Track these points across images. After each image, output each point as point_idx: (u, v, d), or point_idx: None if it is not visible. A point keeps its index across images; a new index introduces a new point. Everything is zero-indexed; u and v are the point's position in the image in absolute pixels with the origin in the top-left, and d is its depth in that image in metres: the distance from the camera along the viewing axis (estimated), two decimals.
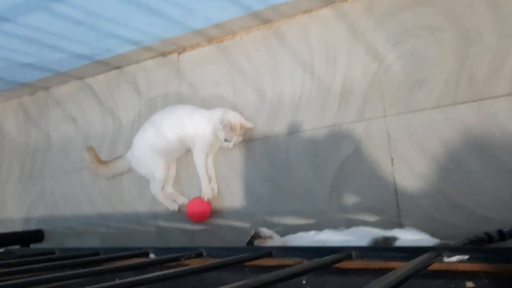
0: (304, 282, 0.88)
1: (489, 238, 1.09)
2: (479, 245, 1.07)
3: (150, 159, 1.75)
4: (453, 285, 0.77)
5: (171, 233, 1.81)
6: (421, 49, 1.41)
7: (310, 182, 1.54)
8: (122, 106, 2.02)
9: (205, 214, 1.71)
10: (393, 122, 1.43)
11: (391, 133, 1.43)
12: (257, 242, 1.26)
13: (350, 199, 1.47)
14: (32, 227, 2.18)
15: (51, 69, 2.00)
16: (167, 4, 1.47)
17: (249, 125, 1.63)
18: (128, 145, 1.87)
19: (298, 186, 1.56)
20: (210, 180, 1.71)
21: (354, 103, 1.50)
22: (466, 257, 0.76)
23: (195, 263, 0.92)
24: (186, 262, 0.93)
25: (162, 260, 0.92)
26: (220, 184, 1.72)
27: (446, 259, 0.77)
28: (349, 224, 1.35)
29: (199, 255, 0.97)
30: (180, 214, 1.78)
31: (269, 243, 1.25)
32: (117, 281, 0.59)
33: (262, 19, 1.66)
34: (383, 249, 0.98)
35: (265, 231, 1.29)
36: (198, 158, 1.69)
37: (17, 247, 1.95)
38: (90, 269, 0.77)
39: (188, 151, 1.77)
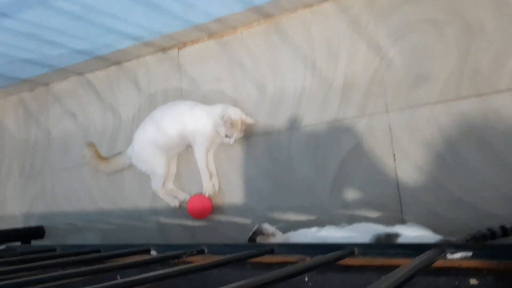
0: (306, 279, 0.88)
1: (492, 234, 1.08)
2: (482, 241, 1.07)
3: (150, 155, 1.75)
4: (456, 282, 0.77)
5: (172, 230, 1.81)
6: (424, 44, 1.39)
7: (311, 178, 1.54)
8: (122, 102, 2.02)
9: (206, 210, 1.70)
10: (395, 118, 1.42)
11: (393, 129, 1.42)
12: (259, 239, 1.25)
13: (351, 195, 1.46)
14: (33, 223, 2.18)
15: (51, 64, 1.99)
16: None
17: (249, 120, 1.62)
18: (129, 141, 1.86)
19: (299, 182, 1.56)
20: (211, 176, 1.70)
21: (356, 99, 1.49)
22: (470, 253, 0.76)
23: (197, 260, 0.92)
24: (187, 259, 0.92)
25: (164, 257, 0.92)
26: (221, 180, 1.72)
27: (449, 256, 0.76)
28: (351, 220, 1.34)
29: (201, 252, 0.96)
30: (181, 211, 1.78)
31: (271, 240, 1.25)
32: (120, 280, 0.59)
33: (262, 13, 1.64)
34: (386, 246, 0.97)
35: (267, 227, 1.29)
36: (199, 154, 1.68)
37: (18, 243, 1.95)
38: (92, 267, 0.76)
39: (189, 147, 1.76)
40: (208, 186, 1.68)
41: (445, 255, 0.76)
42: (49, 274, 0.67)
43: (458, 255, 0.76)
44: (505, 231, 1.09)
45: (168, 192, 1.79)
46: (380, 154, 1.43)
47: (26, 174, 2.27)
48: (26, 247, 1.83)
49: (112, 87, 2.06)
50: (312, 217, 1.51)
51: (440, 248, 0.76)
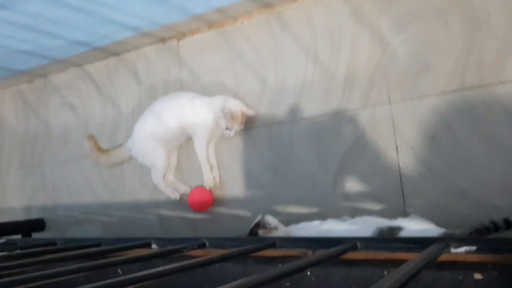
0: (309, 273, 0.87)
1: (495, 226, 1.08)
2: (485, 234, 1.06)
3: (151, 147, 1.74)
4: (461, 277, 0.76)
5: (173, 222, 1.81)
6: (427, 34, 1.37)
7: (313, 170, 1.53)
8: (121, 93, 2.00)
9: (207, 202, 1.70)
10: (398, 109, 1.40)
11: (396, 120, 1.41)
12: (262, 233, 1.24)
13: (354, 187, 1.45)
14: (33, 216, 2.18)
15: (49, 56, 1.97)
16: None
17: (250, 112, 1.61)
18: (129, 133, 1.85)
19: (301, 174, 1.55)
20: (211, 168, 1.69)
21: (359, 89, 1.47)
22: (474, 247, 0.75)
23: (198, 254, 0.91)
24: (189, 253, 0.92)
25: (165, 251, 0.92)
26: (222, 172, 1.71)
27: (453, 250, 0.75)
28: (353, 212, 1.34)
29: (202, 246, 0.96)
30: (181, 203, 1.77)
31: (274, 233, 1.24)
32: (123, 276, 0.58)
33: (263, 3, 1.62)
34: (389, 240, 0.97)
35: (270, 220, 1.28)
36: (199, 146, 1.67)
37: (18, 236, 1.95)
38: (93, 262, 0.76)
39: (189, 139, 1.75)
40: (209, 179, 1.67)
41: (449, 249, 0.75)
42: (50, 271, 0.66)
43: (462, 249, 0.75)
44: (508, 224, 1.08)
45: (169, 185, 1.78)
46: (383, 145, 1.42)
47: (26, 166, 2.26)
48: (26, 240, 1.83)
49: (111, 78, 2.04)
50: (314, 210, 1.51)
51: (444, 242, 0.75)
